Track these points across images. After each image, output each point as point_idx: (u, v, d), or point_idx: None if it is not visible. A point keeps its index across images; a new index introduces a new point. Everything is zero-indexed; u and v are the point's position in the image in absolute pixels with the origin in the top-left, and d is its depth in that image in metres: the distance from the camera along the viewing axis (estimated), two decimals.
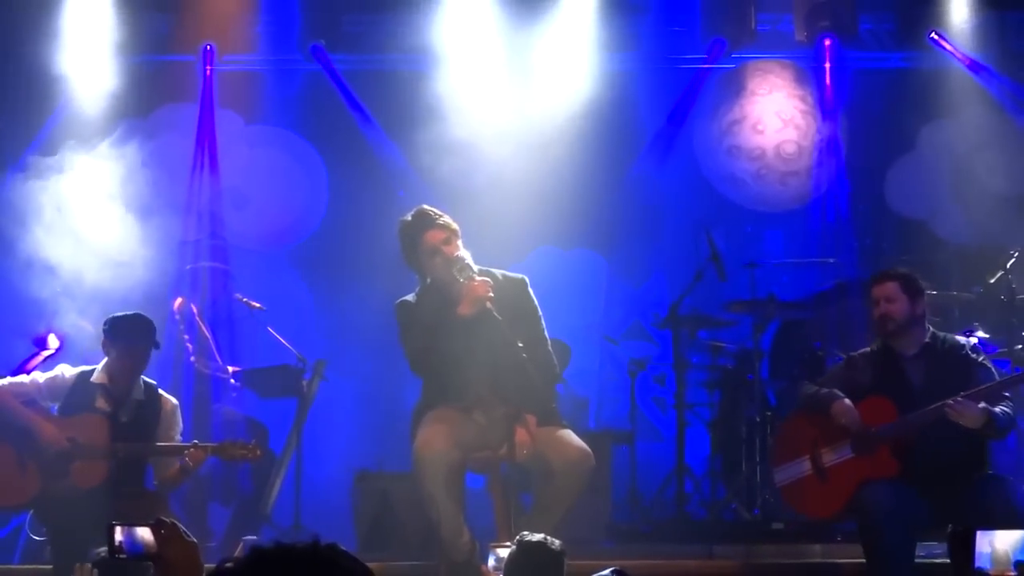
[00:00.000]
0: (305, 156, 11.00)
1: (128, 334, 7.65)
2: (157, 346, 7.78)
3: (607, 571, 4.35)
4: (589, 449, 7.60)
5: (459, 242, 7.58)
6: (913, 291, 7.28)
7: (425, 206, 7.63)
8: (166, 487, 7.80)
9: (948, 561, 5.45)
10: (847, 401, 7.22)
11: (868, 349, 7.45)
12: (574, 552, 6.45)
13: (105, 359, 7.76)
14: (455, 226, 7.58)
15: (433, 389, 7.59)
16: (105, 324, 7.77)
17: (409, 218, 7.59)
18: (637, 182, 10.74)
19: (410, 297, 7.69)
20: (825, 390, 7.32)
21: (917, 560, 7.41)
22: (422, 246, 7.53)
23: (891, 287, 7.27)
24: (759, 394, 9.45)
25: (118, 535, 4.36)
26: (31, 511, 8.04)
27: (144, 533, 4.30)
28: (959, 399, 6.92)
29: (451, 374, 7.47)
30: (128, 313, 7.80)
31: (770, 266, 10.25)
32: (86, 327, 9.05)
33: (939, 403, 6.94)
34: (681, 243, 10.50)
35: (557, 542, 5.85)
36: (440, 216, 7.58)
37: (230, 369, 9.38)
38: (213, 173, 10.30)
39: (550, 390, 7.80)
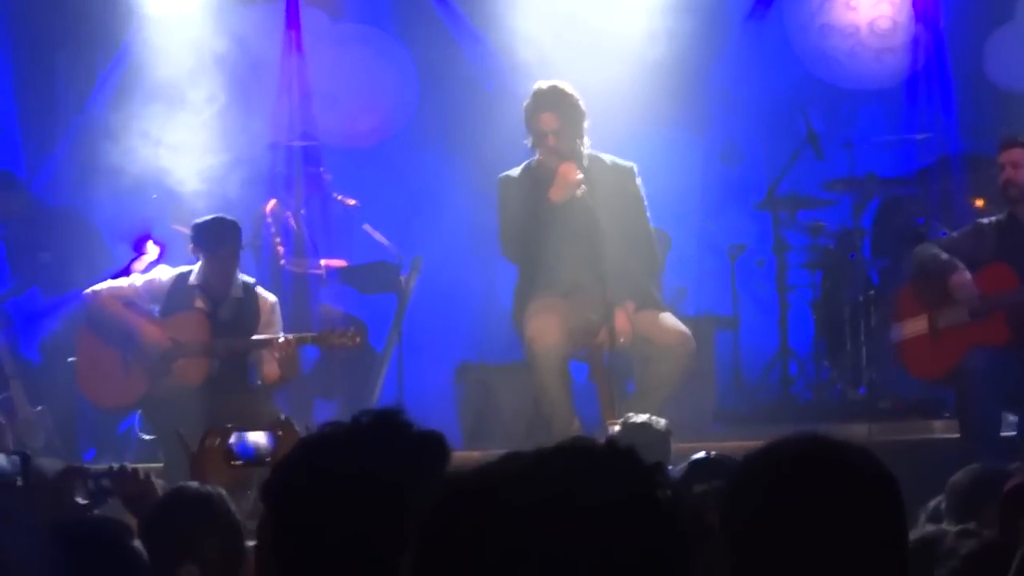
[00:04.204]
0: (393, 52, 10.91)
1: (211, 237, 7.68)
2: (243, 246, 7.81)
3: (701, 454, 4.27)
4: (688, 331, 7.56)
5: (576, 131, 7.46)
6: None
7: (558, 85, 7.52)
8: (270, 386, 7.86)
9: None
10: (966, 274, 7.13)
11: (995, 218, 7.34)
12: (682, 436, 6.42)
13: (199, 262, 7.80)
14: (576, 114, 7.46)
15: (529, 275, 7.56)
16: (191, 229, 7.80)
17: (535, 90, 7.50)
18: (730, 63, 10.55)
19: (513, 172, 7.64)
20: (946, 257, 7.22)
21: None
22: (535, 125, 7.45)
23: (1018, 153, 7.19)
24: (861, 273, 9.32)
25: (232, 440, 4.32)
26: (139, 411, 8.13)
27: (258, 438, 4.24)
28: None
29: (546, 259, 7.43)
30: (210, 217, 7.81)
31: (868, 144, 10.06)
32: (182, 231, 9.09)
33: None
34: (776, 124, 10.34)
35: (663, 421, 5.82)
36: (560, 101, 7.45)
37: (323, 263, 9.38)
38: (301, 72, 10.24)
39: (650, 277, 7.75)
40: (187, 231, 8.13)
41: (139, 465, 6.23)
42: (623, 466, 1.50)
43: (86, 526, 3.02)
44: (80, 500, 4.33)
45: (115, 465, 4.42)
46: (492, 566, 1.42)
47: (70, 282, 8.97)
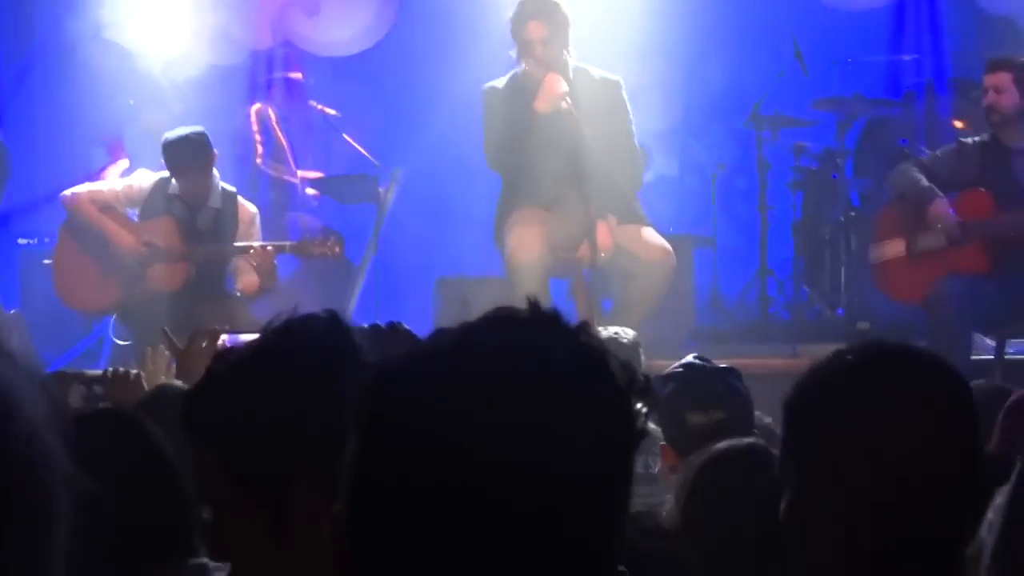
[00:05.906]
0: None
1: (176, 158, 7.58)
2: (217, 155, 7.68)
3: (689, 356, 4.25)
4: (670, 247, 7.53)
5: (563, 40, 7.38)
6: None
7: None
8: (248, 296, 7.82)
9: None
10: (945, 202, 7.12)
11: (978, 138, 7.33)
12: (658, 353, 6.38)
13: None
14: (563, 22, 7.37)
15: (512, 186, 7.50)
16: (162, 146, 7.70)
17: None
18: None
19: (497, 82, 7.56)
20: (925, 184, 7.22)
21: (1007, 357, 7.37)
22: (521, 34, 7.37)
23: (1002, 77, 7.13)
24: (843, 194, 9.29)
25: (223, 341, 4.29)
26: (114, 315, 8.08)
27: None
28: None
29: (529, 171, 7.38)
30: (175, 136, 7.64)
31: (855, 63, 10.00)
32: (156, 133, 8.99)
33: None
34: (762, 42, 10.24)
35: (631, 333, 5.71)
36: (548, 9, 7.34)
37: (300, 174, 9.31)
38: None
39: (633, 192, 7.71)
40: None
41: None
42: (548, 323, 1.48)
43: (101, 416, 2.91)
44: (73, 405, 4.29)
45: (109, 370, 4.39)
46: (424, 441, 1.40)
47: None
